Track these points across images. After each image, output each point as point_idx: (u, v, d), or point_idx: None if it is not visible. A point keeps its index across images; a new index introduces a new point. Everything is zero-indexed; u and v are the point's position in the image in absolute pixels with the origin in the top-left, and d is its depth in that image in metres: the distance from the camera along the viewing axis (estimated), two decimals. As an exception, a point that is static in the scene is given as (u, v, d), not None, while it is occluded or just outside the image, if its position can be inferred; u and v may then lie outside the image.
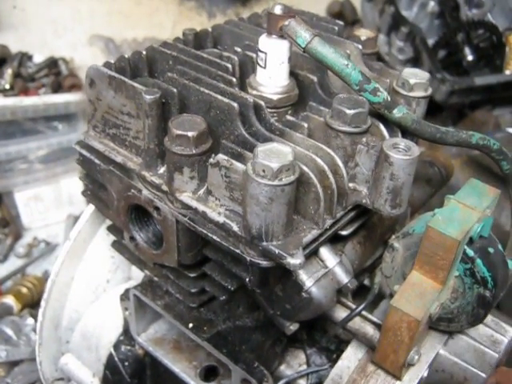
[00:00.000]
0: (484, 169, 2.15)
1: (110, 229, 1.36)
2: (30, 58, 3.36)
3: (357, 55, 1.27)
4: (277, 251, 0.95)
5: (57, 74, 3.31)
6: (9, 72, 3.12)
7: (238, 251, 1.01)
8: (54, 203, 3.02)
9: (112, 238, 1.37)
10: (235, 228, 1.00)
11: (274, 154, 0.91)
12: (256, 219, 0.94)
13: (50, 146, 3.02)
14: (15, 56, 3.29)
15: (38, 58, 3.36)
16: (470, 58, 2.96)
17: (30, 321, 2.40)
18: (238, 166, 0.97)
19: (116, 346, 1.48)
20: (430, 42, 3.00)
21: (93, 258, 1.51)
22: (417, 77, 1.19)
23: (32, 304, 2.54)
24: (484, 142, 1.21)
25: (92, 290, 1.53)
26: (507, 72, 2.91)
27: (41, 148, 3.01)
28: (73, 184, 2.97)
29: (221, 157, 0.99)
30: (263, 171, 0.89)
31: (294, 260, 0.94)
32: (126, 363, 1.47)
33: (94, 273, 1.52)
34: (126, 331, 1.47)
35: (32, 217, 3.02)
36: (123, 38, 3.55)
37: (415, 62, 3.04)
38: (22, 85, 3.14)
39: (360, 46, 1.28)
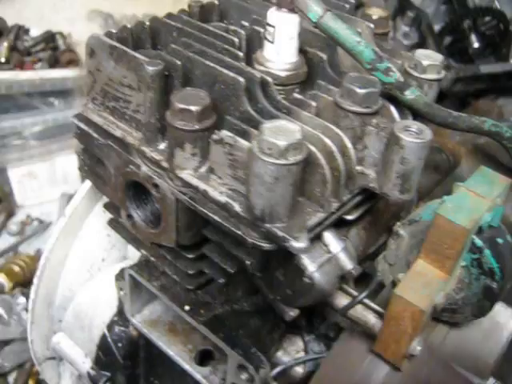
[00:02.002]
0: (490, 158, 2.12)
1: (107, 206, 1.32)
2: (26, 31, 3.32)
3: (368, 34, 1.22)
4: (280, 234, 0.91)
5: (54, 49, 3.26)
6: (4, 45, 3.07)
7: (239, 233, 0.97)
8: (48, 181, 2.98)
9: (108, 215, 1.33)
10: (237, 208, 0.96)
11: (281, 132, 0.87)
12: (260, 200, 0.90)
13: (45, 123, 2.98)
14: (12, 29, 3.24)
15: (35, 32, 3.31)
16: (475, 45, 2.93)
17: (22, 300, 2.38)
18: (243, 143, 0.93)
19: (109, 327, 1.44)
20: (436, 27, 2.96)
21: (88, 236, 1.47)
22: (430, 58, 1.15)
23: (24, 283, 2.52)
24: (496, 128, 1.18)
25: (87, 268, 1.49)
26: None
27: (36, 124, 2.97)
28: (68, 162, 2.94)
29: (225, 133, 0.95)
30: (269, 149, 0.85)
31: (298, 243, 0.90)
32: (120, 344, 1.44)
33: (89, 251, 1.48)
34: (121, 312, 1.43)
35: (25, 194, 2.98)
36: (122, 13, 3.50)
37: (420, 47, 2.98)
38: (18, 58, 3.09)
39: (372, 25, 1.23)
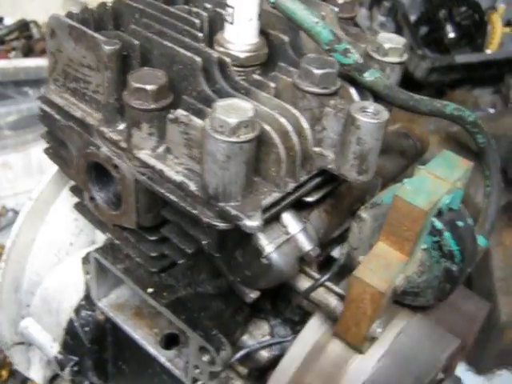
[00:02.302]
0: (462, 146, 2.13)
1: (73, 189, 1.32)
2: (0, 20, 3.28)
3: (332, 18, 1.23)
4: (234, 212, 0.91)
5: (28, 38, 3.22)
6: (-22, 34, 3.04)
7: (195, 212, 0.97)
8: (23, 171, 2.93)
9: (76, 199, 1.33)
10: (193, 188, 0.96)
11: (233, 110, 0.87)
12: (213, 178, 0.90)
13: (19, 112, 2.93)
14: (-16, 17, 3.21)
15: (9, 21, 3.28)
16: (451, 35, 2.95)
17: (-5, 290, 2.35)
18: (197, 121, 0.93)
19: (76, 311, 1.44)
20: (412, 17, 2.99)
21: (55, 220, 1.46)
22: (392, 41, 1.15)
23: (-2, 273, 2.49)
24: (459, 112, 1.18)
25: (54, 252, 1.48)
26: (488, 51, 2.90)
27: (10, 114, 2.92)
28: (43, 152, 2.90)
29: (180, 112, 0.95)
30: (221, 127, 0.85)
31: (252, 222, 0.91)
32: (87, 328, 1.44)
33: (56, 235, 1.47)
34: (87, 296, 1.43)
35: (0, 185, 2.94)
36: (98, 2, 3.45)
37: None
38: (-9, 47, 3.06)
39: (336, 9, 1.23)
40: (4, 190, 2.94)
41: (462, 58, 2.83)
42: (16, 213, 2.86)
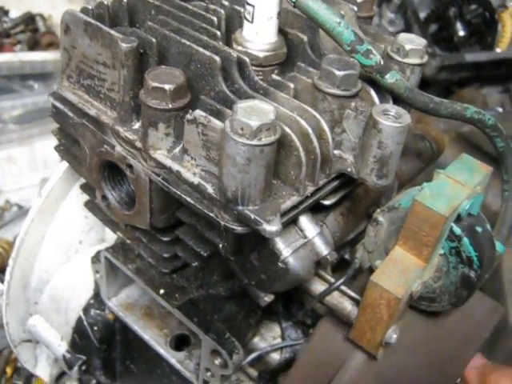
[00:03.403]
0: (473, 146, 2.11)
1: (84, 187, 1.29)
2: (6, 12, 3.25)
3: (351, 17, 1.20)
4: (252, 216, 0.89)
5: (34, 31, 3.19)
6: (-17, 26, 3.01)
7: (212, 215, 0.95)
8: (27, 166, 2.90)
9: (86, 197, 1.31)
10: (210, 190, 0.94)
11: (254, 112, 0.84)
12: (232, 181, 0.88)
13: (24, 106, 2.90)
14: (-10, 10, 3.18)
15: (15, 13, 3.23)
16: (461, 33, 2.92)
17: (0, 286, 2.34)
18: (216, 123, 0.90)
19: (85, 310, 1.43)
20: (422, 15, 2.95)
21: (65, 218, 1.45)
22: (413, 43, 1.13)
23: (2, 268, 2.47)
24: (479, 116, 1.16)
25: (63, 250, 1.47)
26: (498, 50, 2.87)
27: (15, 108, 2.89)
28: (48, 147, 2.80)
29: (198, 113, 0.92)
30: (241, 129, 0.83)
31: (270, 227, 0.88)
32: (96, 327, 1.43)
33: (66, 233, 1.46)
34: (97, 295, 1.42)
35: (4, 179, 2.90)
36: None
37: None
38: (-3, 40, 3.03)
39: (355, 8, 1.20)
40: (8, 185, 2.91)
41: (471, 56, 2.80)
42: (20, 207, 2.84)
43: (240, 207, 0.90)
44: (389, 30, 2.92)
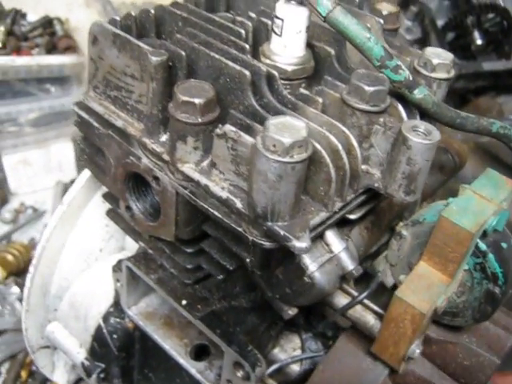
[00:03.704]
0: (491, 157, 2.10)
1: (106, 196, 1.30)
2: (23, 16, 3.24)
3: (377, 30, 1.20)
4: (282, 232, 0.89)
5: (51, 35, 3.18)
6: (1, 29, 3.00)
7: (240, 229, 0.95)
8: (43, 169, 2.91)
9: (107, 205, 1.31)
10: (239, 205, 0.94)
11: (286, 129, 0.84)
12: (262, 197, 0.88)
13: (41, 110, 2.90)
14: (8, 13, 3.16)
15: (33, 17, 3.23)
16: (478, 42, 2.90)
17: (15, 289, 2.34)
18: (247, 138, 0.90)
19: (105, 318, 1.43)
20: (440, 23, 2.93)
21: (86, 226, 1.45)
22: (440, 57, 1.12)
23: (17, 272, 2.47)
24: (505, 131, 1.16)
25: (83, 258, 1.47)
26: None
27: (32, 111, 2.90)
28: (63, 150, 2.83)
29: (228, 128, 0.92)
30: (274, 146, 0.83)
31: (300, 243, 0.88)
32: (115, 336, 1.43)
33: (86, 240, 1.46)
34: (117, 303, 1.42)
35: (19, 181, 2.91)
36: (121, 0, 3.42)
37: (423, 42, 2.97)
38: (15, 43, 3.02)
39: (381, 21, 1.20)
40: (23, 187, 2.92)
41: (489, 65, 2.79)
42: (35, 210, 2.85)
43: (269, 223, 0.90)
44: (406, 38, 2.91)
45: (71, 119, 1.21)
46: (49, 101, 2.90)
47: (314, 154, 0.91)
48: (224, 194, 0.95)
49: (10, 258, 2.47)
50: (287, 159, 0.83)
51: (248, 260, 0.99)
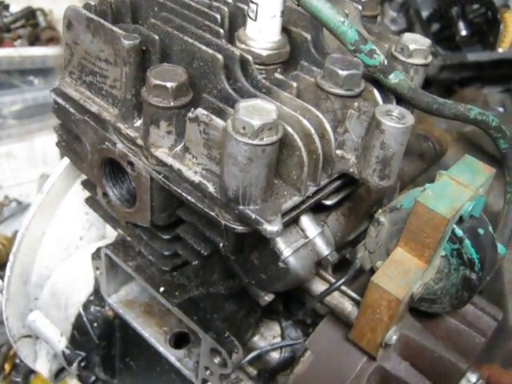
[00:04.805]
0: (475, 147, 2.10)
1: (85, 184, 1.29)
2: (6, 7, 3.22)
3: (355, 16, 1.19)
4: (253, 216, 0.89)
5: (34, 26, 3.16)
6: (-17, 21, 2.99)
7: (212, 214, 0.95)
8: (26, 161, 2.88)
9: (87, 193, 1.31)
10: (211, 189, 0.93)
11: (256, 111, 0.84)
12: (233, 180, 0.88)
13: (24, 102, 2.88)
14: (-9, 4, 3.16)
15: (15, 8, 3.21)
16: (463, 33, 2.91)
17: (-2, 282, 2.33)
18: (218, 122, 0.90)
19: (85, 306, 1.42)
20: (424, 14, 2.95)
21: (66, 214, 1.44)
22: (417, 43, 1.12)
23: (1, 264, 2.46)
24: (482, 117, 1.15)
25: (64, 246, 1.47)
26: (500, 50, 2.85)
27: (15, 103, 2.87)
28: (47, 142, 2.80)
29: (200, 111, 0.92)
30: (243, 128, 0.83)
31: (271, 227, 0.88)
32: (95, 324, 1.43)
33: (66, 229, 1.46)
34: (97, 291, 1.41)
35: (3, 174, 2.88)
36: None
37: None
38: (-3, 35, 3.01)
39: (360, 7, 1.20)
40: (7, 180, 2.89)
41: (474, 56, 2.79)
42: (19, 203, 2.83)
43: (241, 207, 0.90)
44: (391, 29, 2.91)
45: (55, 111, 1.20)
46: (32, 93, 2.88)
47: (286, 138, 0.90)
48: (197, 179, 0.95)
49: (-8, 250, 2.46)
50: (257, 142, 0.83)
51: (221, 245, 0.99)
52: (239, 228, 0.93)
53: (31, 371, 2.26)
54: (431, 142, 1.40)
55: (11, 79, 2.93)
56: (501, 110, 2.86)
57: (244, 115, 0.83)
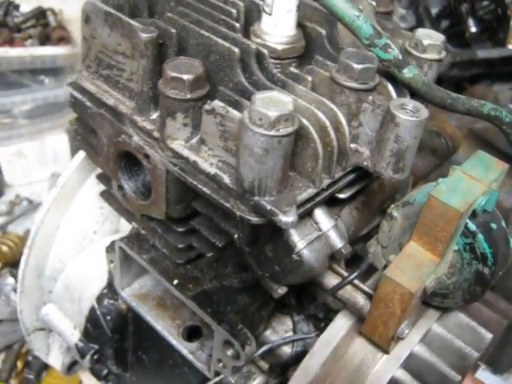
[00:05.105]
0: (486, 143, 2.09)
1: (100, 177, 1.30)
2: (16, 7, 3.23)
3: (369, 12, 1.20)
4: (269, 207, 0.90)
5: (44, 26, 3.17)
6: (-6, 21, 3.00)
7: (228, 205, 0.96)
8: (37, 160, 2.89)
9: (102, 187, 1.32)
10: (227, 180, 0.94)
11: (272, 103, 0.85)
12: (249, 172, 0.89)
13: (35, 101, 2.88)
14: (1, 4, 3.15)
15: (26, 8, 3.22)
16: (473, 29, 2.89)
17: (11, 280, 2.35)
18: (235, 113, 0.91)
19: (99, 299, 1.44)
20: (434, 11, 2.93)
21: (80, 208, 1.46)
22: (431, 38, 1.13)
23: (13, 263, 2.48)
24: (496, 113, 1.16)
25: (78, 240, 1.48)
26: (510, 46, 2.84)
27: (25, 102, 2.88)
28: (58, 141, 2.79)
29: (216, 103, 0.93)
30: (260, 120, 0.84)
31: (286, 218, 0.89)
32: (108, 317, 1.44)
33: (80, 222, 1.47)
34: (110, 284, 1.42)
35: (14, 173, 2.90)
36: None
37: None
38: (8, 35, 3.01)
39: (374, 3, 1.21)
40: (18, 179, 2.91)
41: (483, 52, 2.77)
42: (30, 202, 2.85)
43: (256, 198, 0.91)
44: (400, 26, 2.90)
45: (65, 111, 1.22)
46: (43, 92, 2.87)
47: (301, 130, 0.91)
48: (212, 170, 0.96)
49: (5, 249, 2.48)
50: (273, 133, 0.84)
51: (236, 236, 1.00)
52: (254, 219, 0.94)
53: (43, 368, 2.29)
54: (444, 138, 1.41)
55: (22, 79, 2.94)
56: (511, 106, 2.86)
57: (261, 106, 0.84)
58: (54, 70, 2.98)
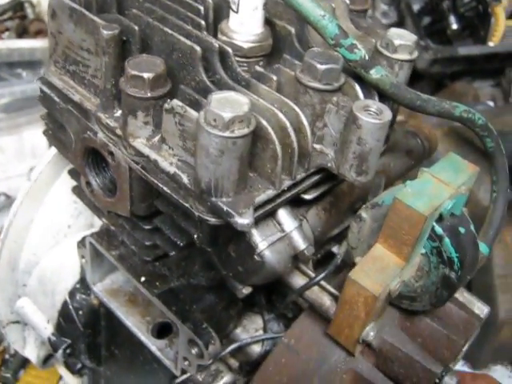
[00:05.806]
0: (465, 141, 2.08)
1: (71, 172, 1.30)
2: (-7, -1, 3.19)
3: (343, 10, 1.18)
4: (225, 208, 0.89)
5: (22, 18, 3.12)
6: (-30, 13, 2.95)
7: (187, 205, 0.95)
8: (15, 155, 2.82)
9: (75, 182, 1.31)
10: (185, 180, 0.93)
11: (228, 103, 0.84)
12: (205, 172, 0.88)
13: (12, 95, 2.82)
14: (-23, -4, 3.12)
15: (2, 0, 3.18)
16: (454, 26, 2.90)
17: (-13, 275, 2.34)
18: (192, 113, 0.90)
19: (71, 294, 1.43)
20: (415, 7, 2.95)
21: (54, 202, 1.45)
22: (402, 38, 1.11)
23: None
24: (468, 115, 1.14)
25: (52, 234, 1.48)
26: (491, 43, 2.84)
27: (3, 96, 2.80)
28: (36, 136, 2.71)
29: (175, 102, 0.92)
30: (214, 120, 0.83)
31: (242, 219, 0.88)
32: (81, 312, 1.44)
33: (55, 217, 1.47)
34: (83, 279, 1.42)
35: (-8, 168, 2.87)
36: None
37: (399, 27, 2.96)
38: (-16, 27, 2.98)
39: (347, 1, 1.19)
40: (-5, 174, 2.87)
41: (465, 49, 2.77)
42: (8, 197, 2.80)
43: (213, 199, 0.90)
44: (382, 22, 2.89)
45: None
46: (20, 86, 2.82)
47: (260, 131, 0.90)
48: (172, 169, 0.95)
49: (-20, 244, 2.46)
50: (227, 134, 0.83)
51: (196, 236, 0.99)
52: (212, 220, 0.93)
53: (20, 367, 2.29)
54: (420, 139, 1.39)
55: (-1, 72, 2.90)
56: (491, 104, 2.85)
57: (215, 107, 0.83)
58: (32, 63, 2.90)
